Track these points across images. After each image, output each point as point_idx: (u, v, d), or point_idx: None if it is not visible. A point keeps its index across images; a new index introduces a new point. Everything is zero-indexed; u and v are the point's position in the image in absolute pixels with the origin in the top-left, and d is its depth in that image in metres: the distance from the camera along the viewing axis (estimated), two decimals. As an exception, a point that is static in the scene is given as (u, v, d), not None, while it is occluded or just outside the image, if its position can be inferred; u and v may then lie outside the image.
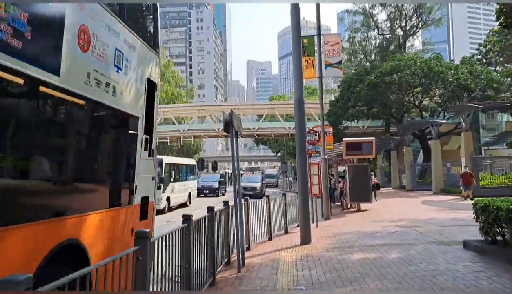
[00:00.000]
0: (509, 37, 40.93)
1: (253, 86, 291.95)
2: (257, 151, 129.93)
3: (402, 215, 14.20)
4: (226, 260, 7.44)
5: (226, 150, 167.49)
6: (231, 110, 7.10)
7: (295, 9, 9.91)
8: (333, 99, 41.86)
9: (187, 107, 55.13)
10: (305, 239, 9.40)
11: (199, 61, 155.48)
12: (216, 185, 33.29)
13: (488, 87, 31.16)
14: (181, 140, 54.19)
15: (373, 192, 20.53)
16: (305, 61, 14.93)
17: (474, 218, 7.47)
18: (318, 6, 15.01)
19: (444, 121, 31.34)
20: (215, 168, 68.67)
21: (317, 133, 13.25)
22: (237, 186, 7.18)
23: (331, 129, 17.86)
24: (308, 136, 13.20)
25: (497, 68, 39.95)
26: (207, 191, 32.33)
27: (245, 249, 8.72)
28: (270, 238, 10.34)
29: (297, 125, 9.60)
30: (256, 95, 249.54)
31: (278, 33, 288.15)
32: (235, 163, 7.12)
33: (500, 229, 6.73)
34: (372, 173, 25.34)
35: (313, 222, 12.92)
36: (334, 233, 10.79)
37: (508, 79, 33.83)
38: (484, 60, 40.49)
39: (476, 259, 6.56)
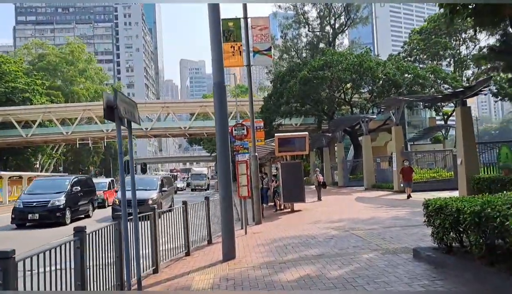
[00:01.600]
0: (433, 36, 42.76)
1: (187, 86, 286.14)
2: (192, 151, 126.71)
3: (338, 215, 13.08)
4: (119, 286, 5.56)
5: (159, 151, 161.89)
6: (114, 89, 5.20)
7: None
8: (267, 95, 40.91)
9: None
10: (229, 253, 7.72)
11: (127, 59, 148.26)
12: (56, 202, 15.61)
13: (414, 83, 31.81)
14: (105, 140, 50.19)
15: (319, 191, 19.47)
16: (231, 47, 13.28)
17: (424, 221, 6.25)
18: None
19: (374, 116, 31.47)
20: (144, 170, 65.60)
21: (245, 127, 11.64)
22: (128, 197, 5.30)
23: (262, 124, 16.45)
24: (235, 130, 11.56)
25: (420, 66, 41.43)
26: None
27: (151, 272, 6.88)
28: (188, 253, 8.54)
29: (217, 111, 7.88)
30: (190, 94, 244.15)
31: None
32: (123, 164, 5.25)
33: (458, 234, 5.53)
34: (317, 169, 24.43)
35: (241, 228, 11.32)
36: (265, 241, 9.24)
37: (432, 75, 34.96)
38: (409, 58, 41.83)
39: (434, 275, 5.28)
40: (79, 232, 4.50)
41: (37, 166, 57.66)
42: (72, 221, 16.03)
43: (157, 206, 12.95)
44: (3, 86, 47.60)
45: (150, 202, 15.19)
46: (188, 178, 62.66)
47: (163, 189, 17.77)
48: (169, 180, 21.58)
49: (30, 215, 15.11)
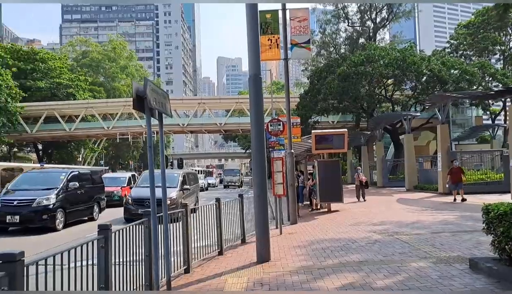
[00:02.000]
0: (481, 31, 40.44)
1: (223, 83, 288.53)
2: (227, 148, 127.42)
3: (380, 217, 12.35)
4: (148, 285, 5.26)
5: (195, 147, 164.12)
6: (145, 78, 4.88)
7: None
8: (303, 92, 40.16)
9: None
10: (263, 255, 7.29)
11: (167, 56, 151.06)
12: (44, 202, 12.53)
13: (461, 79, 30.12)
14: (143, 135, 51.12)
15: (361, 191, 18.72)
16: (268, 39, 12.82)
17: (483, 229, 5.55)
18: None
19: (418, 114, 30.08)
20: (180, 166, 66.46)
21: (282, 123, 11.16)
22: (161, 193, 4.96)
23: (298, 120, 15.87)
24: (271, 126, 11.11)
25: (467, 62, 39.29)
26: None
27: (183, 272, 6.57)
28: (220, 252, 8.19)
29: (253, 104, 7.44)
30: (227, 91, 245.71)
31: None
32: (152, 158, 4.94)
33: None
34: (359, 167, 23.60)
35: (276, 227, 10.87)
36: (301, 243, 8.75)
37: (480, 71, 33.03)
38: (455, 53, 39.78)
39: (497, 290, 4.61)
40: (104, 230, 4.20)
41: (80, 159, 59.68)
42: (67, 226, 12.98)
43: (176, 207, 12.34)
44: (48, 82, 49.45)
45: (168, 202, 13.54)
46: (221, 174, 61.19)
47: (185, 187, 15.45)
48: (194, 176, 18.83)
49: (9, 217, 11.83)
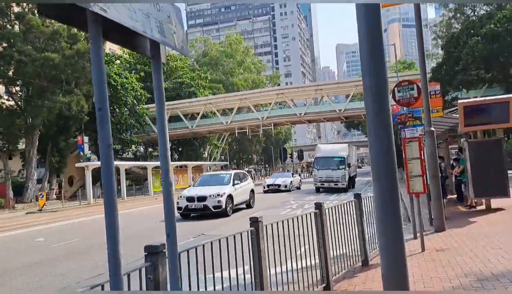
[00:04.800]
0: None
1: (344, 70, 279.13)
2: (351, 137, 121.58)
3: None
4: None
5: (318, 138, 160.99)
6: None
7: None
8: (435, 65, 34.14)
9: (264, 92, 50.75)
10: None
11: (284, 48, 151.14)
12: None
13: None
14: (261, 128, 50.18)
15: None
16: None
17: None
18: None
19: None
20: (301, 157, 63.71)
21: (415, 86, 7.65)
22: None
23: (438, 87, 11.84)
24: (398, 92, 7.70)
25: None
26: None
27: None
28: (327, 287, 5.30)
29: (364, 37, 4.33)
30: (348, 79, 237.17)
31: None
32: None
33: None
34: None
35: (414, 237, 7.54)
36: (461, 272, 5.35)
37: None
38: None
39: None
40: (255, 222, 4.07)
41: (205, 156, 61.86)
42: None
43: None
44: (172, 82, 51.83)
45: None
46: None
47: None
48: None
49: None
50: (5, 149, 32.09)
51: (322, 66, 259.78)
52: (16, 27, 30.70)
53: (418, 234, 7.41)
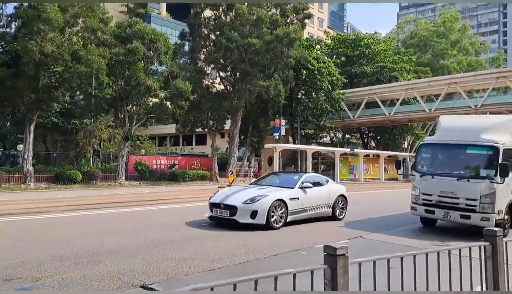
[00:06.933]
0: None
1: None
2: None
3: None
4: None
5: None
6: None
7: None
8: None
9: (480, 76, 42.71)
10: None
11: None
12: None
13: None
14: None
15: None
16: None
17: None
18: None
19: None
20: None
21: None
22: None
23: None
24: None
25: None
26: None
27: None
28: None
29: None
30: None
31: None
32: None
33: None
34: None
35: None
36: None
37: None
38: None
39: None
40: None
41: (405, 146, 57.00)
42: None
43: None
44: (373, 67, 49.21)
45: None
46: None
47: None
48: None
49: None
50: (213, 128, 36.37)
51: None
52: (228, 17, 34.00)
53: None
